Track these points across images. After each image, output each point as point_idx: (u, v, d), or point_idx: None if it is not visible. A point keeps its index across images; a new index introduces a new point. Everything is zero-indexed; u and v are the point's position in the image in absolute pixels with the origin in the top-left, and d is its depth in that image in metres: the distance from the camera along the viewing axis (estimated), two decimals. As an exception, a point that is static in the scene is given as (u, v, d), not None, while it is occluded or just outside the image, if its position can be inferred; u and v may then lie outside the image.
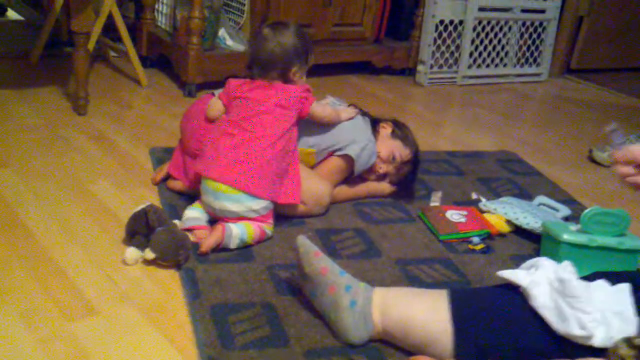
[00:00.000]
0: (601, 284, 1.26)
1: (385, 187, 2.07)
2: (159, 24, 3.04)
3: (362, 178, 2.03)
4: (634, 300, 1.21)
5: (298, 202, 1.79)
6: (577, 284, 1.22)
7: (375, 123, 2.06)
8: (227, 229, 1.62)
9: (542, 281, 1.24)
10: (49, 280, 1.45)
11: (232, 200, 1.64)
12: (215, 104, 1.81)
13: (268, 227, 1.70)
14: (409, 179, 2.08)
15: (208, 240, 1.60)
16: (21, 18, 3.45)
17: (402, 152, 2.02)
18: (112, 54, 3.05)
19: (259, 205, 1.66)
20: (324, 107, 1.86)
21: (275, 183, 1.70)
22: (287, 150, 1.72)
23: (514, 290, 1.28)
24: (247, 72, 1.81)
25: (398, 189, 2.08)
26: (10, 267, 1.48)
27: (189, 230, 1.65)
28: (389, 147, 2.01)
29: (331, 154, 1.91)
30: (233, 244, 1.62)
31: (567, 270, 1.25)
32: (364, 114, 2.07)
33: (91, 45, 2.62)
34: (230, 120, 1.73)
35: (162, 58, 2.97)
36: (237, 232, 1.62)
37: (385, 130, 2.05)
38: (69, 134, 2.22)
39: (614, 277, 1.27)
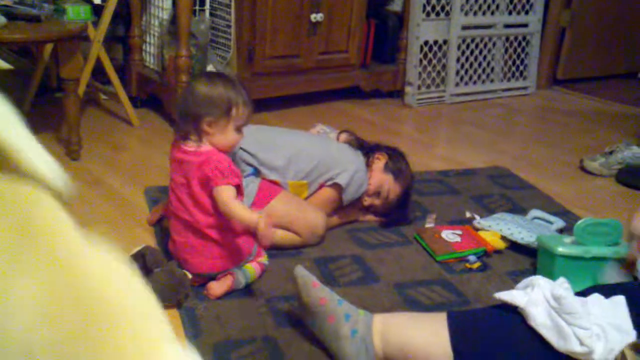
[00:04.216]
0: (596, 298, 1.27)
1: (370, 218, 2.07)
2: (147, 64, 3.08)
3: (351, 205, 2.01)
4: (630, 311, 1.22)
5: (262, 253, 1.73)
6: (573, 300, 1.22)
7: (371, 151, 2.03)
8: (237, 280, 1.63)
9: (539, 300, 1.24)
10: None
11: (205, 276, 1.64)
12: None
13: (263, 259, 1.71)
14: (398, 215, 2.04)
15: (218, 289, 1.60)
16: (11, 67, 3.49)
17: (391, 187, 1.99)
18: (103, 96, 3.08)
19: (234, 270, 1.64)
20: (230, 200, 1.53)
21: (240, 243, 1.65)
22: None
23: (513, 310, 1.28)
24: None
25: (384, 220, 2.05)
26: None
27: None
28: (378, 180, 1.99)
29: (322, 184, 1.92)
30: (240, 286, 1.64)
31: (562, 287, 1.26)
32: (359, 142, 2.07)
33: (81, 90, 2.66)
34: (169, 206, 1.69)
35: (152, 97, 3.00)
36: (243, 276, 1.64)
37: (379, 162, 2.01)
38: (63, 180, 2.23)
39: (608, 290, 1.28)
